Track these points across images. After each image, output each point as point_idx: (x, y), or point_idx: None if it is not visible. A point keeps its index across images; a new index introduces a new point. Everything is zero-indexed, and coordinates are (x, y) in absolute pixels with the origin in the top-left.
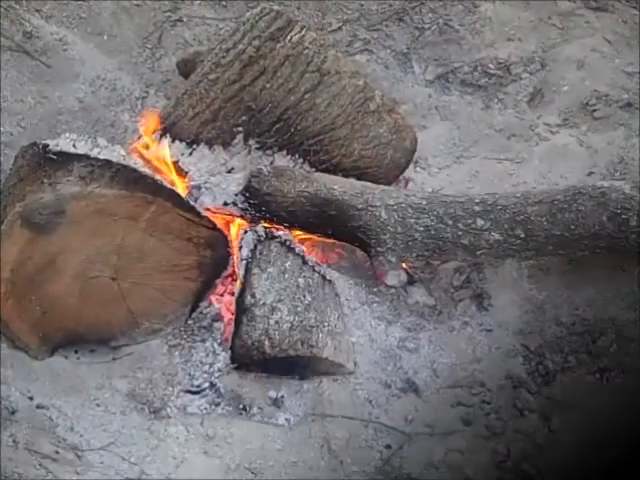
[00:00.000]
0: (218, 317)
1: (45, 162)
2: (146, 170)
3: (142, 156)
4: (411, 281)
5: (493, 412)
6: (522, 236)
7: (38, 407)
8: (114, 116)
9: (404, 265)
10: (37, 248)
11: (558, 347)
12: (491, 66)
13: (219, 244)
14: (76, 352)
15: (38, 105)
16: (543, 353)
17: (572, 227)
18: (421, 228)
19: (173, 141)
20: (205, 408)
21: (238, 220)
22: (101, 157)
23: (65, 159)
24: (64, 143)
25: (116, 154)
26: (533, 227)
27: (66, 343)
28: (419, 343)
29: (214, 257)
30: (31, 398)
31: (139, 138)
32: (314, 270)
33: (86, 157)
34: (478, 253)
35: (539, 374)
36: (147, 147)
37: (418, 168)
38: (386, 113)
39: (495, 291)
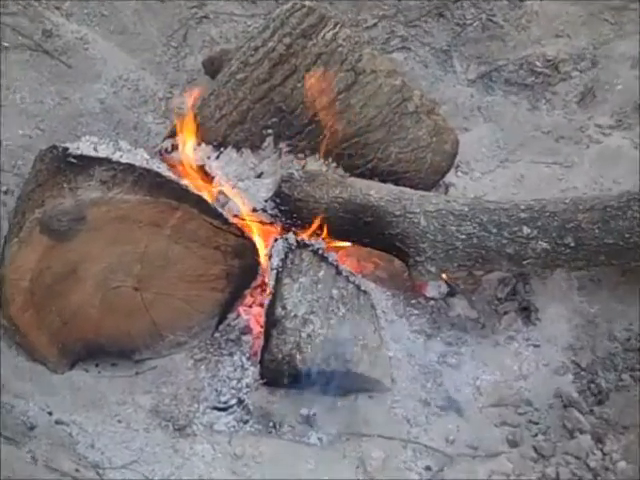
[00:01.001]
0: (246, 330)
1: (65, 166)
2: (171, 175)
3: (166, 160)
4: (452, 293)
5: (541, 433)
6: (572, 245)
7: (57, 423)
8: (137, 118)
9: (444, 276)
10: (57, 256)
11: (611, 364)
12: (538, 64)
13: (248, 253)
14: (97, 365)
15: (58, 107)
16: (595, 370)
17: (626, 235)
18: (463, 236)
19: (199, 144)
20: (233, 426)
21: (268, 227)
22: (123, 161)
23: (86, 163)
24: (85, 146)
25: (139, 158)
26: (584, 235)
27: (87, 356)
28: (461, 358)
29: (242, 266)
30: (50, 413)
31: (163, 141)
32: (348, 280)
33: (108, 161)
34: (524, 263)
35: (591, 393)
36: (172, 150)
37: (459, 173)
38: (425, 114)
39: (543, 304)
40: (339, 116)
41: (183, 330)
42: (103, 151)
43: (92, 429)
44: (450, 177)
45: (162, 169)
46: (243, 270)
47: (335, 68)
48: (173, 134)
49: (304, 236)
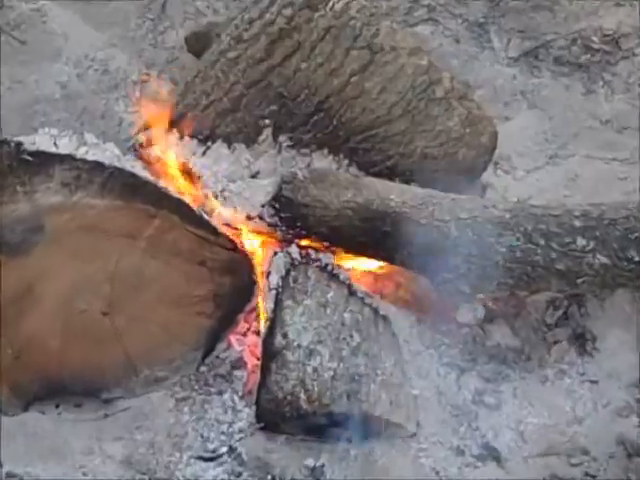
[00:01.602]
0: (239, 363)
1: (19, 165)
2: (147, 175)
3: (142, 157)
4: (490, 317)
5: None
6: (636, 259)
7: (9, 476)
8: (105, 105)
9: (481, 297)
10: (9, 274)
11: None
12: (594, 39)
13: (241, 269)
14: (57, 407)
15: (9, 92)
16: None
17: None
18: (503, 249)
19: (182, 137)
20: (222, 479)
21: (266, 239)
22: (89, 158)
23: (44, 161)
24: (43, 140)
25: (109, 154)
26: None
27: (45, 395)
28: (501, 397)
29: (234, 286)
30: (0, 465)
31: (138, 134)
32: (364, 303)
33: (70, 158)
34: (579, 282)
35: None
36: (148, 145)
37: (499, 171)
38: (457, 100)
39: (601, 330)
40: (352, 103)
41: (162, 363)
42: (65, 146)
43: None
44: (488, 176)
45: (136, 168)
46: (235, 290)
47: (347, 45)
48: (150, 125)
49: (310, 249)
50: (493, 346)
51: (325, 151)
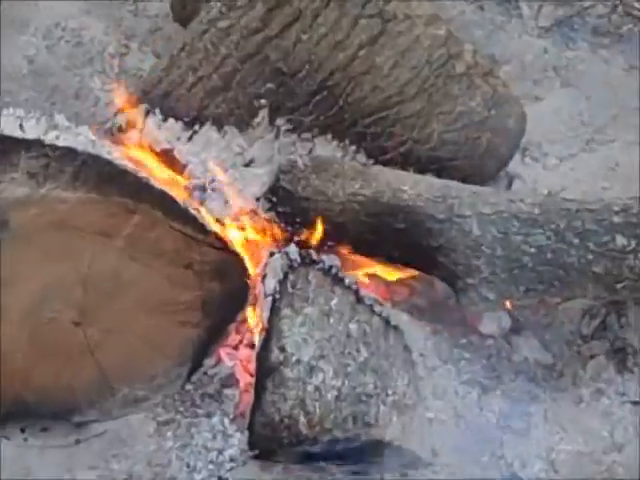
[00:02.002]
0: (231, 381)
1: None
2: (126, 163)
3: (120, 142)
4: (517, 328)
5: None
6: None
7: None
8: (79, 82)
9: (507, 304)
10: None
11: None
12: (637, 5)
13: (232, 272)
14: (23, 431)
15: None
16: None
17: None
18: (532, 249)
19: (165, 119)
20: None
21: (261, 237)
22: (60, 144)
23: (8, 147)
24: (6, 123)
25: (82, 139)
26: None
27: (8, 417)
28: (529, 421)
29: (225, 292)
30: None
31: (116, 115)
32: (373, 312)
33: (38, 144)
34: (618, 287)
35: None
36: (127, 129)
37: (528, 159)
38: (480, 77)
39: None
40: (360, 80)
41: (142, 381)
42: (32, 130)
43: None
44: (515, 165)
45: (114, 155)
46: (226, 297)
47: (354, 13)
48: (129, 106)
49: (311, 249)
50: (520, 361)
51: (329, 136)
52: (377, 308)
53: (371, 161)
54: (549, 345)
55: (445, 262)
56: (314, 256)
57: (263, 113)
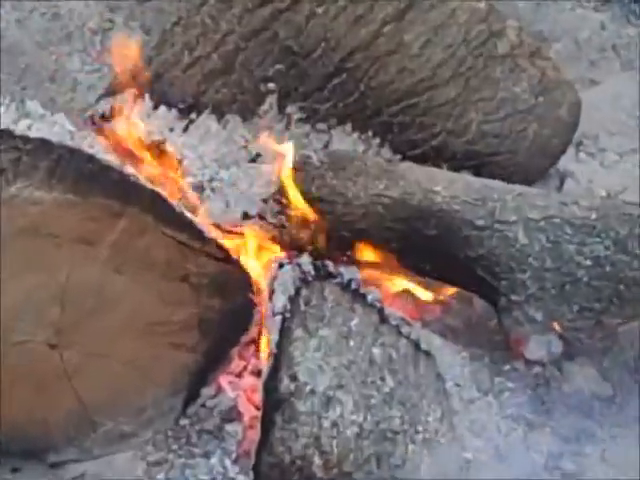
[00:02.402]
0: (233, 414)
1: None
2: (110, 158)
3: (104, 133)
4: (570, 353)
5: None
6: None
7: None
8: (55, 63)
9: (557, 326)
10: None
11: None
12: None
13: (235, 287)
14: None
15: None
16: None
17: None
18: (588, 261)
19: (157, 107)
20: None
21: (268, 245)
22: (33, 135)
23: None
24: None
25: (59, 129)
26: None
27: None
28: (585, 462)
29: (226, 309)
30: None
31: (98, 101)
32: (400, 333)
33: (8, 135)
34: None
35: None
36: (112, 117)
37: (582, 154)
38: (526, 59)
39: None
40: (385, 62)
41: (129, 414)
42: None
43: None
44: (567, 162)
45: (96, 148)
46: (227, 316)
47: None
48: (114, 90)
49: (327, 260)
50: (573, 393)
51: (348, 127)
52: (405, 329)
53: (398, 156)
54: (607, 374)
55: (485, 276)
56: (331, 268)
57: (271, 99)
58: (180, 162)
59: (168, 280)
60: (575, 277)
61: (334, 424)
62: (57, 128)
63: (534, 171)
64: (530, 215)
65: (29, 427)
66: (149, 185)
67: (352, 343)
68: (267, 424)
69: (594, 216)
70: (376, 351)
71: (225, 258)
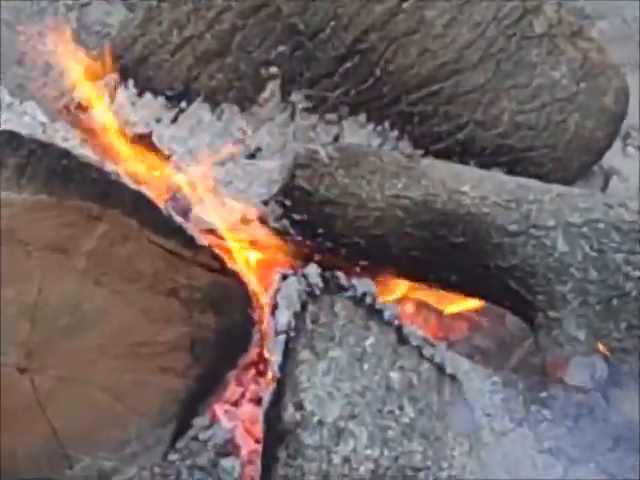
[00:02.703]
0: (229, 448)
1: None
2: (88, 153)
3: (80, 124)
4: (616, 379)
5: None
6: None
7: None
8: (25, 44)
9: (603, 347)
10: None
11: None
12: None
13: (232, 302)
14: None
15: None
16: None
17: None
18: (638, 273)
19: (141, 94)
20: None
21: (270, 254)
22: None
23: None
24: None
25: (28, 120)
26: None
27: None
28: None
29: (222, 328)
30: None
31: (74, 89)
32: (421, 355)
33: None
34: None
35: None
36: (90, 106)
37: (630, 148)
38: (566, 39)
39: None
40: (404, 43)
41: (109, 448)
42: None
43: None
44: (613, 158)
45: (71, 142)
46: (223, 335)
47: None
48: (92, 76)
49: (337, 270)
50: (621, 424)
51: (362, 117)
52: (427, 351)
53: (419, 152)
54: None
55: (519, 289)
56: (342, 280)
57: (273, 86)
58: (168, 158)
59: (154, 294)
60: (623, 290)
61: (346, 460)
62: (27, 119)
63: (575, 168)
64: (571, 219)
65: None
66: (132, 185)
67: (366, 366)
68: (269, 459)
69: None
70: (394, 376)
71: (220, 269)
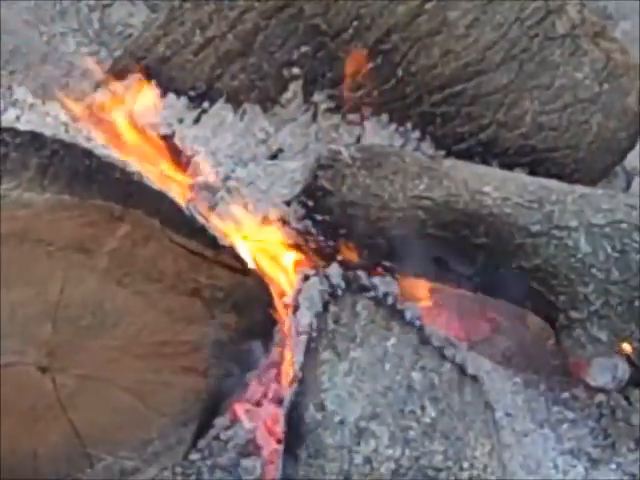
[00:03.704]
0: (250, 448)
1: None
2: (110, 154)
3: (103, 125)
4: (639, 380)
5: None
6: None
7: None
8: (47, 43)
9: (625, 347)
10: None
11: None
12: None
13: (253, 302)
14: None
15: None
16: None
17: None
18: None
19: (165, 94)
20: None
21: (292, 254)
22: (22, 127)
23: None
24: None
25: (51, 121)
26: None
27: None
28: None
29: (243, 328)
30: None
31: (97, 88)
32: (443, 356)
33: None
34: None
35: None
36: (112, 107)
37: None
38: (589, 40)
39: None
40: (426, 43)
41: (131, 447)
42: None
43: None
44: (636, 158)
45: (94, 143)
46: (244, 335)
47: None
48: (115, 76)
49: (359, 270)
50: None
51: (384, 118)
52: (449, 351)
53: (441, 152)
54: None
55: (541, 290)
56: (364, 280)
57: (295, 86)
58: (190, 158)
59: (176, 294)
60: None
61: (367, 460)
62: (50, 119)
63: (598, 169)
64: (593, 220)
65: (16, 461)
66: (155, 185)
67: (388, 367)
68: (289, 459)
69: None
70: (416, 376)
71: (242, 269)
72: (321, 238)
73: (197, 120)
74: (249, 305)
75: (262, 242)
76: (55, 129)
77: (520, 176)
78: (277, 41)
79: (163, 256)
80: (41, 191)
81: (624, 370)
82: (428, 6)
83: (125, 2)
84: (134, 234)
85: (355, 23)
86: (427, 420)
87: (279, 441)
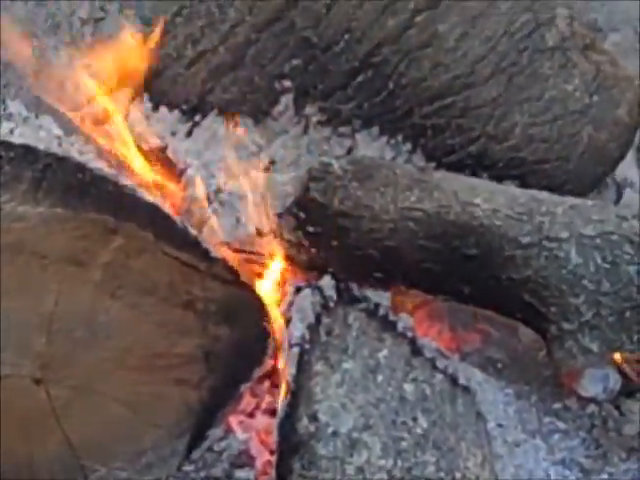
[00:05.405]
0: (244, 459)
1: None
2: (103, 167)
3: (96, 138)
4: (630, 390)
5: None
6: None
7: None
8: (40, 57)
9: (616, 358)
10: None
11: None
12: None
13: (246, 314)
14: None
15: None
16: None
17: None
18: None
19: (157, 107)
20: None
21: (284, 266)
22: (15, 140)
23: None
24: None
25: (44, 135)
26: None
27: None
28: None
29: (236, 340)
30: None
31: (90, 102)
32: (434, 367)
33: None
34: None
35: None
36: (105, 120)
37: None
38: (579, 52)
39: None
40: (417, 56)
41: (124, 459)
42: None
43: None
44: (626, 170)
45: (87, 156)
46: (237, 347)
47: None
48: (108, 89)
49: (351, 282)
50: (634, 435)
51: (375, 130)
52: (440, 362)
53: (432, 164)
54: None
55: (532, 301)
56: (355, 292)
57: (287, 99)
58: (183, 171)
59: (170, 306)
60: (636, 302)
61: (359, 470)
62: (43, 133)
63: (588, 180)
64: (584, 231)
65: (11, 473)
66: (148, 198)
67: (380, 378)
68: (283, 470)
69: None
70: (408, 387)
71: (235, 281)
72: (313, 250)
73: (189, 133)
74: (242, 317)
75: (254, 254)
76: (48, 142)
77: (510, 188)
78: (268, 54)
79: (156, 268)
80: (35, 204)
81: (615, 380)
82: (418, 19)
83: (117, 15)
84: (127, 247)
85: (346, 36)
86: (419, 431)
87: (272, 452)
